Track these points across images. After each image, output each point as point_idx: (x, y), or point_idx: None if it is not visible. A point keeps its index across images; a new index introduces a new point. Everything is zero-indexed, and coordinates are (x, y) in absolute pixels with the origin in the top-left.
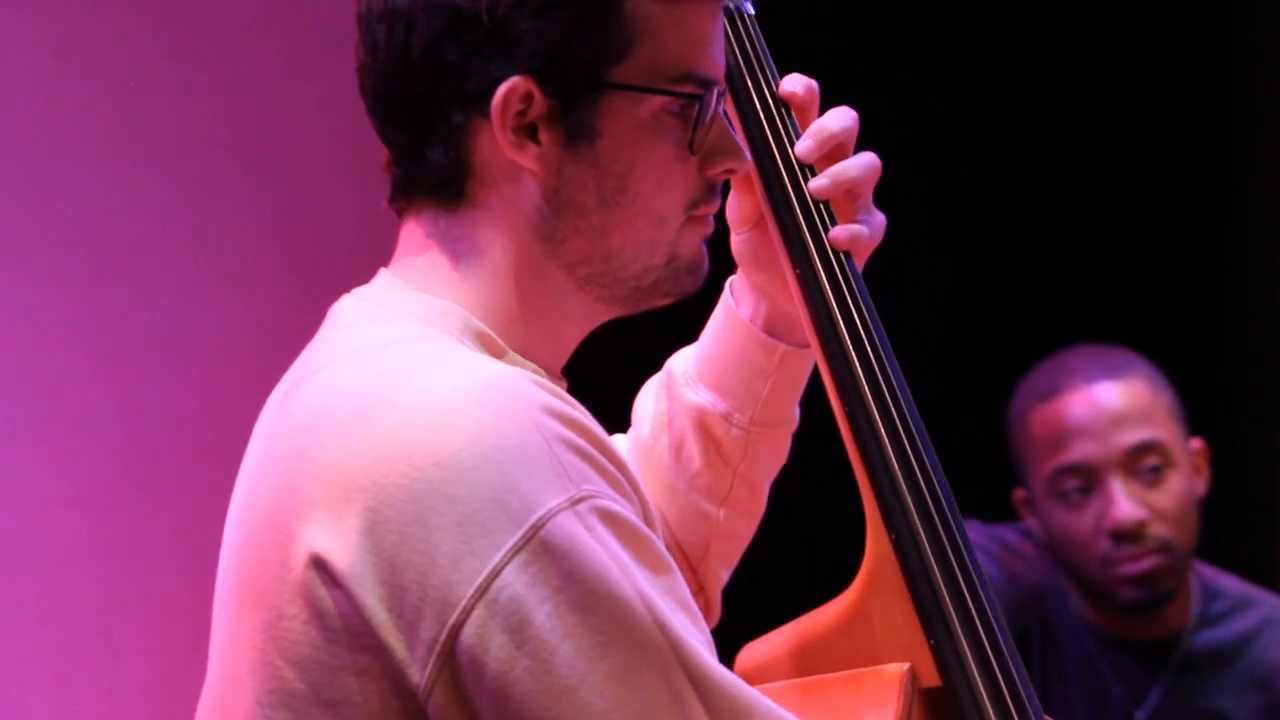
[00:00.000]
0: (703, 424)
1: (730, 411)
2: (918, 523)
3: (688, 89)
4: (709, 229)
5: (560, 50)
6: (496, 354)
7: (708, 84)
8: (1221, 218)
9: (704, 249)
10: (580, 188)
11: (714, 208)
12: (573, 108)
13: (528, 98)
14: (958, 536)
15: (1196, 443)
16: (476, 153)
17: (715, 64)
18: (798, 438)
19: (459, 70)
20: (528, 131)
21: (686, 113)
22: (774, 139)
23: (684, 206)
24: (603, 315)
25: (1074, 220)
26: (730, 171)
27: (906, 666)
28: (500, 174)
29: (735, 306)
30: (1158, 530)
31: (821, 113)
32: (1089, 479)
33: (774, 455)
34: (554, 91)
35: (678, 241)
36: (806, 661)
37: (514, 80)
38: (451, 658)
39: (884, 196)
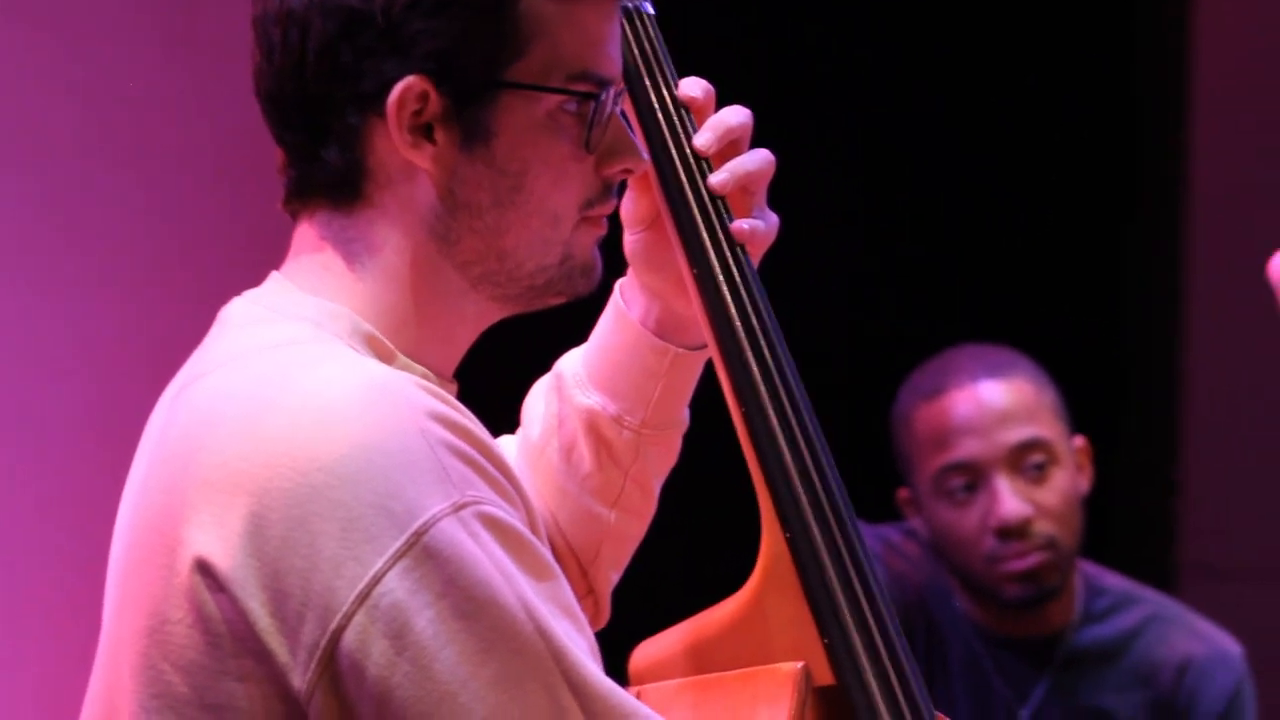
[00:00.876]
0: (594, 427)
1: (621, 414)
2: (812, 522)
3: (584, 87)
4: (603, 230)
5: (455, 50)
6: (385, 357)
7: (604, 83)
8: (1117, 220)
9: (597, 251)
10: (475, 187)
11: (609, 208)
12: (468, 107)
13: (423, 97)
14: (852, 536)
15: (1079, 441)
16: (372, 153)
17: (611, 63)
18: (694, 436)
19: (354, 71)
20: (423, 131)
21: (583, 111)
22: (672, 137)
23: (579, 206)
24: (495, 315)
25: (967, 221)
26: (627, 171)
27: (800, 665)
28: (396, 174)
29: (626, 308)
30: (1042, 527)
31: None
32: (974, 477)
33: (665, 456)
34: (449, 91)
35: (572, 241)
36: (700, 660)
37: (409, 80)
38: (333, 663)
39: (778, 196)
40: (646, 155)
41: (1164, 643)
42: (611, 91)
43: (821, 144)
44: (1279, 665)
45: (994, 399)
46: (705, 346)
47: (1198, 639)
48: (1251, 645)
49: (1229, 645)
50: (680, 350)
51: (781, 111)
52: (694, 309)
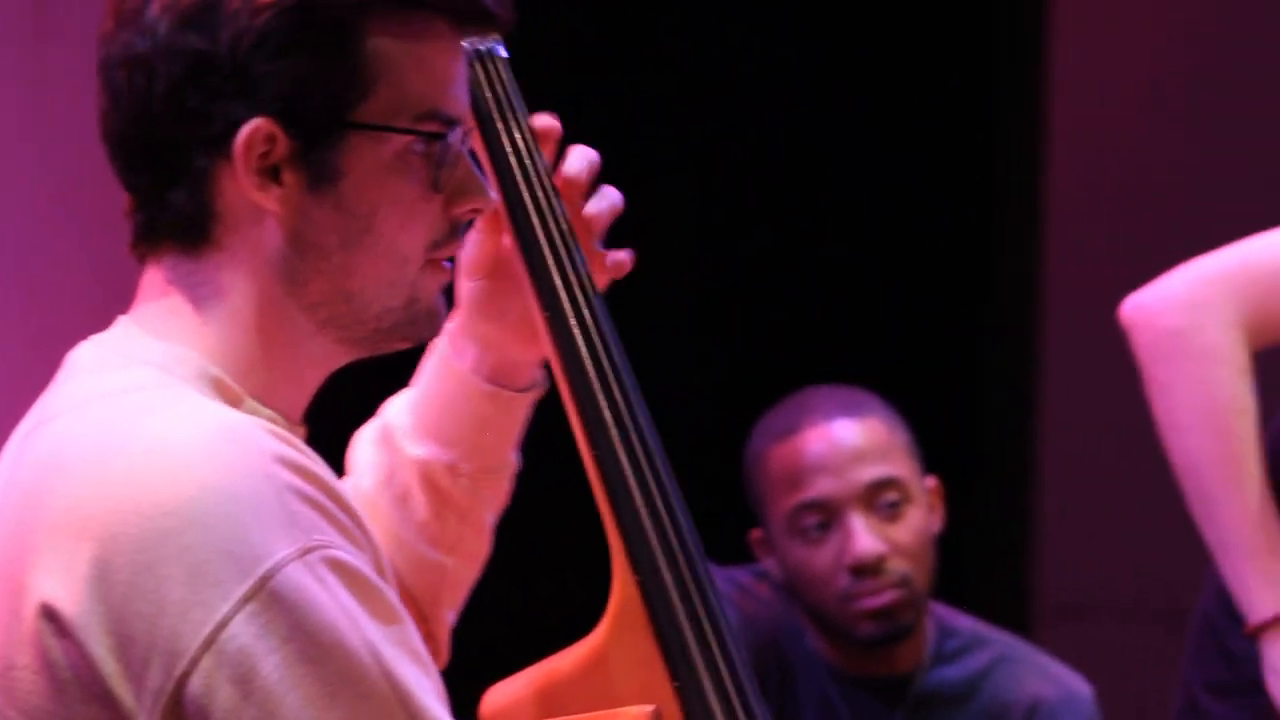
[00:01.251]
0: (428, 477)
1: (456, 462)
2: (663, 565)
3: (431, 127)
4: (447, 277)
5: (301, 91)
6: (233, 401)
7: (451, 122)
8: (971, 259)
9: (441, 297)
10: (323, 229)
11: (455, 249)
12: (315, 148)
13: (270, 139)
14: (703, 579)
15: (931, 481)
16: (220, 196)
17: (458, 102)
18: (545, 481)
19: (201, 114)
20: (271, 173)
21: (430, 152)
22: (524, 180)
23: (426, 247)
24: (342, 358)
25: (817, 262)
26: (475, 211)
27: (651, 709)
28: (244, 216)
29: (455, 357)
30: (897, 565)
31: (563, 149)
32: (828, 515)
33: (498, 497)
34: (296, 132)
35: (417, 284)
36: (551, 704)
37: (256, 122)
38: (178, 708)
39: (628, 237)
40: (496, 195)
41: (1014, 684)
42: (459, 131)
43: (669, 186)
44: (1138, 703)
45: (848, 438)
46: (534, 388)
47: (1048, 680)
48: (1110, 683)
49: (1079, 686)
50: (513, 394)
51: (626, 156)
52: (545, 350)
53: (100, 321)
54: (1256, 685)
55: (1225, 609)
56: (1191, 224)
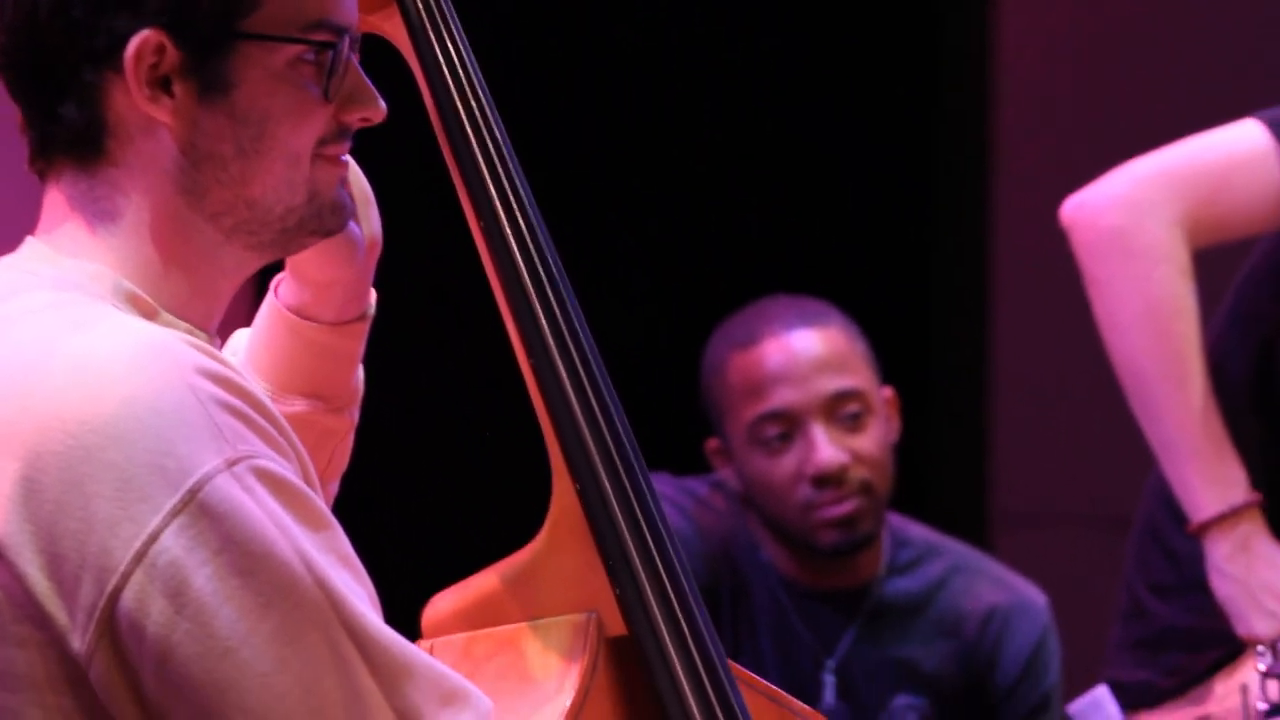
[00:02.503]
0: (305, 424)
1: (330, 401)
2: (602, 472)
3: (321, 37)
4: (343, 169)
5: (188, 2)
6: (149, 315)
7: (340, 31)
8: (922, 171)
9: (344, 189)
10: (218, 139)
11: (344, 148)
12: (206, 59)
13: (160, 50)
14: (642, 486)
15: (888, 391)
16: (111, 109)
17: (347, 11)
18: (484, 391)
19: (88, 26)
20: (161, 85)
21: (321, 60)
22: (456, 89)
23: (315, 144)
24: (254, 264)
25: (769, 173)
26: (366, 120)
27: (592, 615)
28: (136, 129)
29: (289, 309)
30: (858, 474)
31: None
32: (790, 425)
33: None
34: (186, 44)
35: (314, 179)
36: (492, 612)
37: (145, 34)
38: (111, 623)
39: (586, 158)
40: (429, 105)
41: (968, 593)
42: (347, 39)
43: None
44: (1093, 610)
45: (809, 348)
46: (364, 318)
47: (1002, 589)
48: (1064, 590)
49: (1033, 594)
50: (357, 323)
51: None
52: (483, 261)
53: (9, 243)
54: (1200, 584)
55: (1168, 510)
56: (1138, 138)
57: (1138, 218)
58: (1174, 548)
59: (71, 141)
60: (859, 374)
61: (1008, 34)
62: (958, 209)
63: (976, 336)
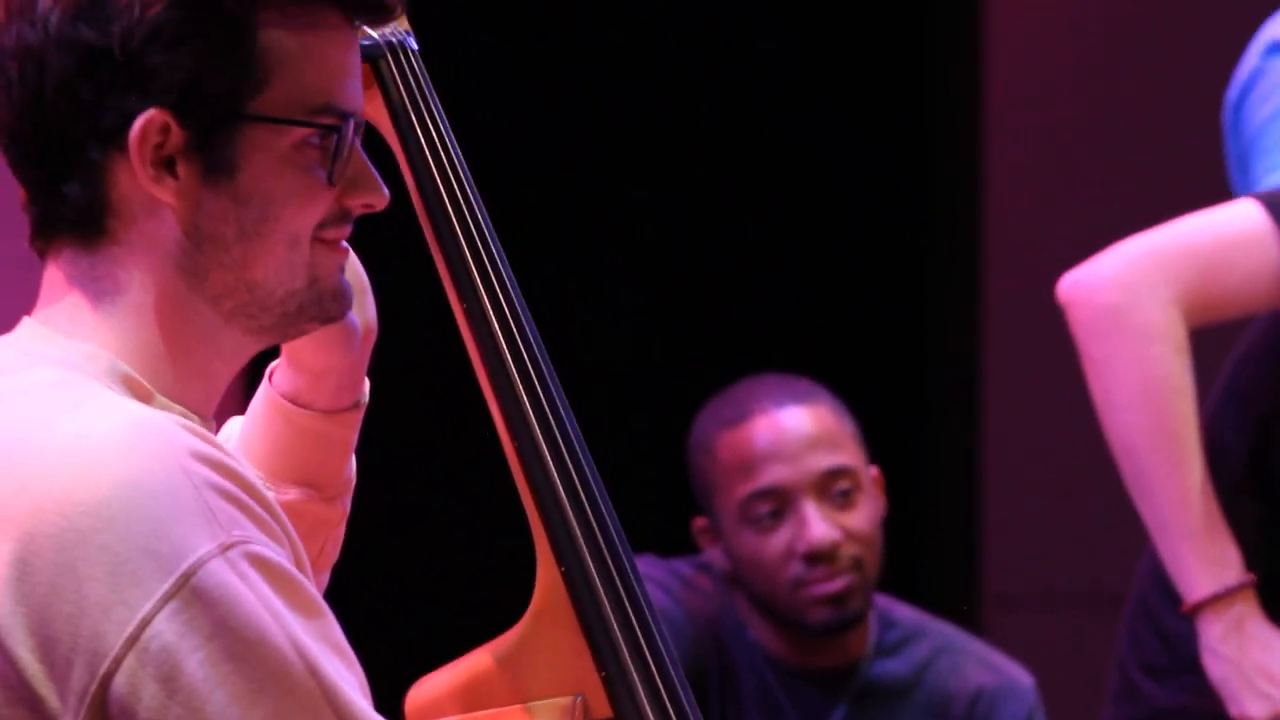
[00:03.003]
0: (298, 513)
1: (324, 490)
2: (587, 555)
3: (326, 120)
4: (344, 255)
5: (195, 83)
6: (144, 398)
7: (345, 115)
8: (912, 251)
9: (344, 277)
10: (220, 220)
11: (345, 233)
12: (211, 140)
13: (165, 130)
14: (627, 568)
15: (875, 470)
16: (115, 188)
17: (353, 96)
18: (469, 475)
19: (94, 106)
20: (166, 165)
21: (325, 144)
22: (438, 171)
23: (314, 227)
24: (252, 348)
25: (760, 249)
26: (369, 207)
27: (579, 698)
28: (140, 209)
29: (280, 396)
30: (850, 550)
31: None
32: (781, 502)
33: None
34: (191, 124)
35: (315, 264)
36: (477, 696)
37: (150, 113)
38: (103, 708)
39: (568, 218)
40: (410, 186)
41: (955, 674)
42: (351, 124)
43: (615, 167)
44: (1081, 691)
45: (800, 426)
46: (358, 406)
47: (988, 669)
48: (1053, 672)
49: (1019, 675)
50: (346, 410)
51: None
52: (465, 344)
53: (7, 322)
54: (1193, 665)
55: (1161, 590)
56: (1132, 216)
57: (1134, 297)
58: (1167, 628)
59: (74, 220)
60: (849, 452)
61: (995, 113)
62: (950, 286)
63: (968, 414)
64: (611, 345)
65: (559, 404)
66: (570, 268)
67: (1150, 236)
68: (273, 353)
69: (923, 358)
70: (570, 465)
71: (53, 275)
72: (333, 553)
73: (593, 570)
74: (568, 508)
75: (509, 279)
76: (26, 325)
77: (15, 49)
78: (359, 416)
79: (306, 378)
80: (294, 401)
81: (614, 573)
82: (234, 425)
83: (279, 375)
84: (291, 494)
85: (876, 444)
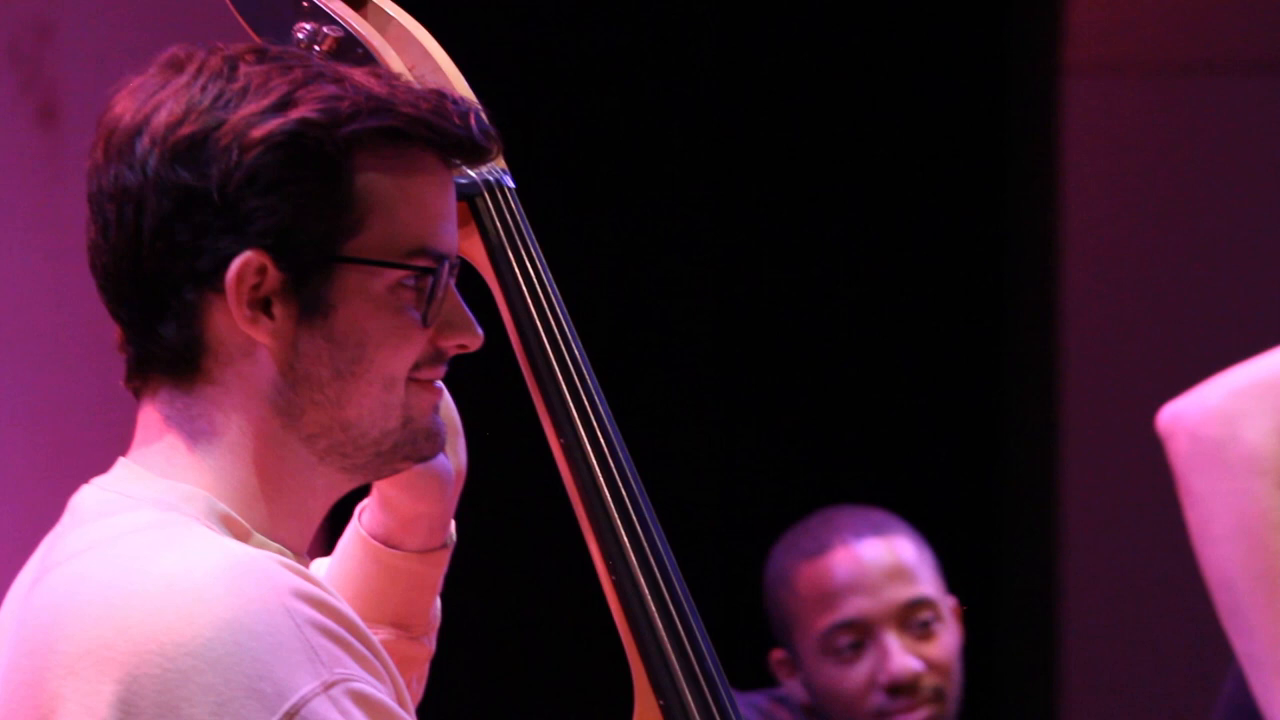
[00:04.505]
0: (389, 652)
1: (411, 629)
2: (687, 690)
3: (421, 263)
4: (438, 395)
5: (292, 226)
6: (241, 536)
7: (441, 258)
8: (986, 385)
9: (438, 416)
10: (315, 361)
11: (439, 373)
12: (306, 282)
13: (261, 271)
14: (725, 703)
15: (952, 600)
16: (211, 329)
17: (449, 238)
18: (565, 604)
19: (191, 248)
20: (262, 306)
21: (420, 286)
22: (535, 309)
23: (409, 368)
24: (345, 485)
25: (831, 385)
26: (463, 347)
27: None
28: (235, 350)
29: (370, 537)
30: (932, 681)
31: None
32: (862, 634)
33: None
34: (287, 266)
35: (409, 404)
36: None
37: (247, 255)
38: None
39: (643, 348)
40: (508, 325)
41: None
42: (446, 266)
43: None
44: None
45: (880, 557)
46: (446, 546)
47: None
48: None
49: None
50: (435, 550)
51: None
52: (563, 478)
53: (107, 457)
54: None
55: None
56: (1203, 347)
57: (1236, 429)
58: None
59: (170, 360)
60: (928, 583)
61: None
62: (1027, 412)
63: (1046, 545)
64: (694, 472)
65: (658, 540)
66: (654, 397)
67: (1251, 367)
68: (360, 490)
69: (998, 486)
70: (670, 601)
71: (148, 415)
72: (418, 691)
73: (692, 706)
74: (667, 644)
75: (606, 415)
76: (122, 466)
77: (114, 190)
78: (447, 556)
79: (397, 520)
80: (384, 543)
81: (713, 709)
82: (319, 567)
83: (369, 516)
84: (382, 634)
85: (953, 576)
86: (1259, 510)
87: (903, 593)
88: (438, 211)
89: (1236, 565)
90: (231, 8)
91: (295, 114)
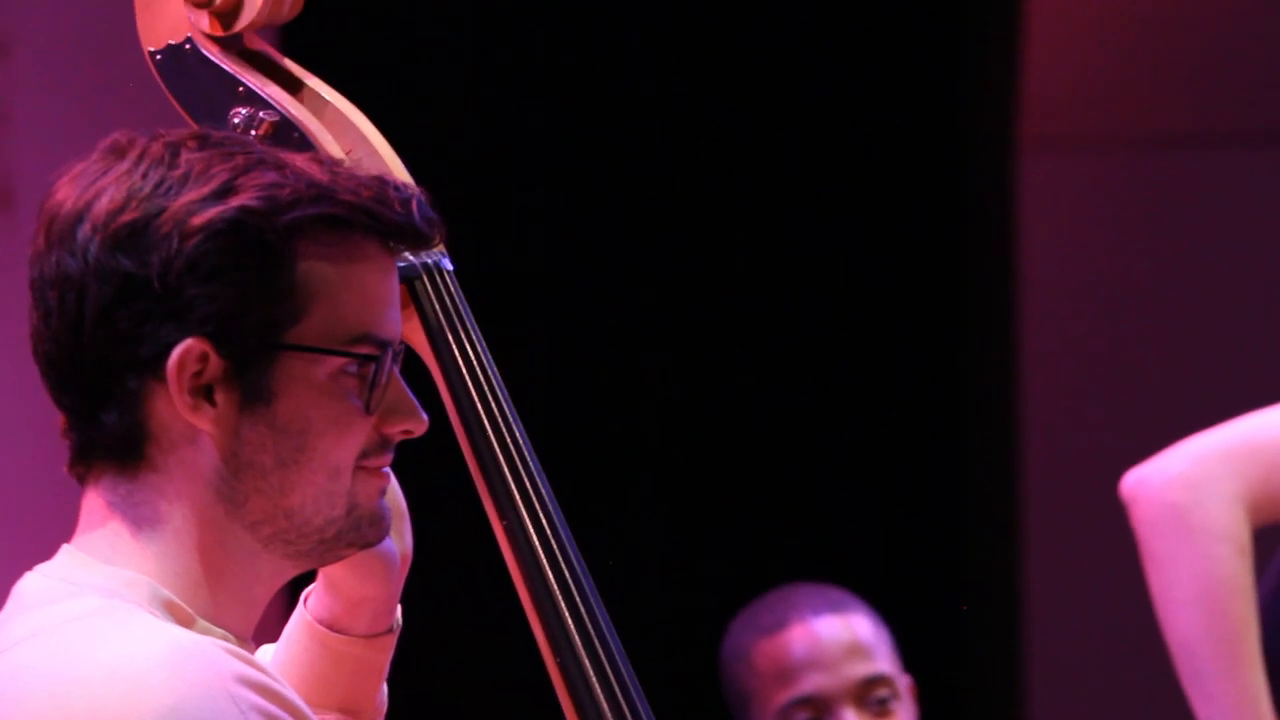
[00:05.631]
0: None
1: (358, 715)
2: None
3: (364, 350)
4: (384, 481)
5: (233, 314)
6: (185, 622)
7: (384, 344)
8: (945, 453)
9: (383, 501)
10: (259, 449)
11: (386, 460)
12: (248, 370)
13: (203, 359)
14: None
15: (908, 679)
16: (153, 416)
17: (391, 324)
18: (510, 688)
19: (132, 335)
20: (204, 393)
21: (364, 373)
22: (476, 391)
23: (357, 456)
24: (290, 571)
25: (784, 455)
26: (408, 433)
27: None
28: (178, 437)
29: (316, 622)
30: None
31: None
32: (820, 710)
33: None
34: (229, 353)
35: (354, 491)
36: None
37: (189, 343)
38: None
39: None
40: (449, 408)
41: None
42: (389, 353)
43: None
44: None
45: (838, 634)
46: (392, 631)
47: None
48: None
49: None
50: (386, 636)
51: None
52: (507, 561)
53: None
54: None
55: None
56: (1163, 418)
57: (1199, 495)
58: None
59: (112, 447)
60: (886, 660)
61: (1031, 305)
62: (987, 486)
63: (1008, 619)
64: (642, 550)
65: (601, 622)
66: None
67: (1215, 434)
68: (308, 574)
69: (957, 560)
70: (616, 687)
71: (92, 501)
72: None
73: None
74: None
75: (549, 496)
76: (66, 553)
77: (55, 277)
78: (393, 640)
79: (343, 604)
80: (330, 627)
81: None
82: (265, 654)
83: (314, 600)
84: (329, 719)
85: (914, 654)
86: (1221, 576)
87: (860, 669)
88: (380, 297)
89: (1199, 631)
90: (167, 93)
91: (236, 201)
